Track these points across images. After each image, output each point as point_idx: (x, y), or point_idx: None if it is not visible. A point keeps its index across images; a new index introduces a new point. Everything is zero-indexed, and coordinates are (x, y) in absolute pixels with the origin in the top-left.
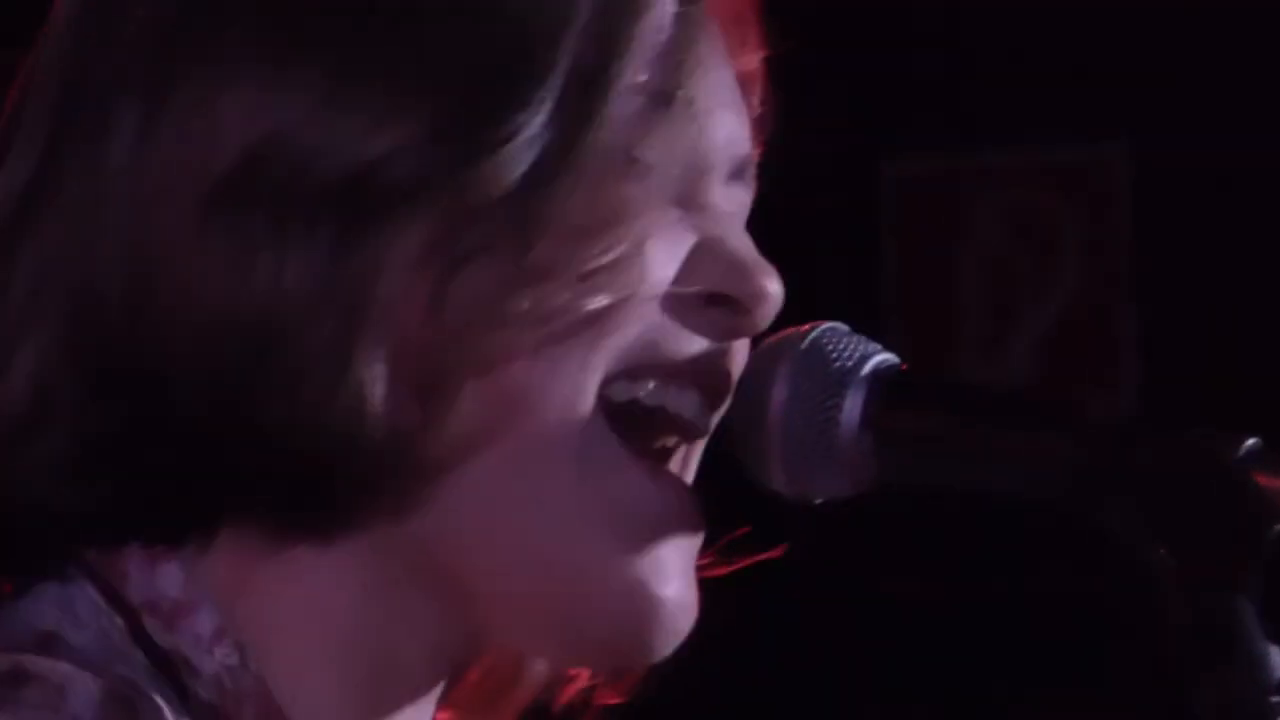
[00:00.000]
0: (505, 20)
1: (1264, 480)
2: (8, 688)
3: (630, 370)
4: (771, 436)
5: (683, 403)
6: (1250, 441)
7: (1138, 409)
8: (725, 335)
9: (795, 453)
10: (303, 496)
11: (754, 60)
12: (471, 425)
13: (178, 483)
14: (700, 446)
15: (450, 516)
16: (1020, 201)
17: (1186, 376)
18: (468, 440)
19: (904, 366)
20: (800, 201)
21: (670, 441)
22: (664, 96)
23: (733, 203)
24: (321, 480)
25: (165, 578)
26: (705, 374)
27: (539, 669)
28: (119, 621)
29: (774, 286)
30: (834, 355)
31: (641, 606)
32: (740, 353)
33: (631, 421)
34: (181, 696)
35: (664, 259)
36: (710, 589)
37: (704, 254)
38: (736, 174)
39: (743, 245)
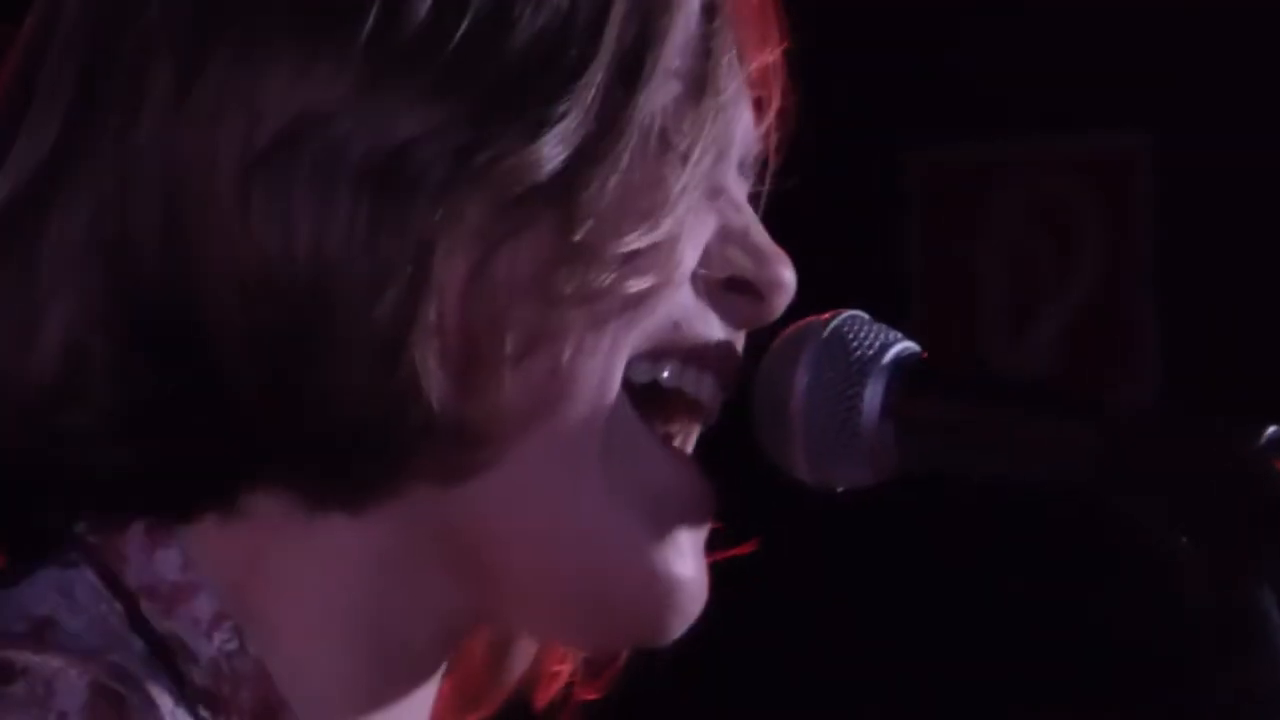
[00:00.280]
0: (550, 6)
1: None
2: None
3: (653, 351)
4: (793, 425)
5: (700, 385)
6: (1271, 430)
7: (1158, 399)
8: (742, 321)
9: (817, 441)
10: (349, 461)
11: (775, 53)
12: (513, 401)
13: (221, 443)
14: (697, 430)
15: (481, 488)
16: (1043, 193)
17: (1206, 367)
18: (509, 416)
19: (925, 355)
20: (825, 192)
21: (678, 424)
22: (698, 84)
23: (742, 192)
24: (369, 446)
25: (164, 562)
26: (722, 358)
27: (516, 668)
28: (117, 606)
29: (790, 276)
30: (855, 344)
31: (662, 587)
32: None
33: (649, 403)
34: (178, 682)
35: (695, 243)
36: (711, 587)
37: (726, 240)
38: (745, 166)
39: (760, 234)
